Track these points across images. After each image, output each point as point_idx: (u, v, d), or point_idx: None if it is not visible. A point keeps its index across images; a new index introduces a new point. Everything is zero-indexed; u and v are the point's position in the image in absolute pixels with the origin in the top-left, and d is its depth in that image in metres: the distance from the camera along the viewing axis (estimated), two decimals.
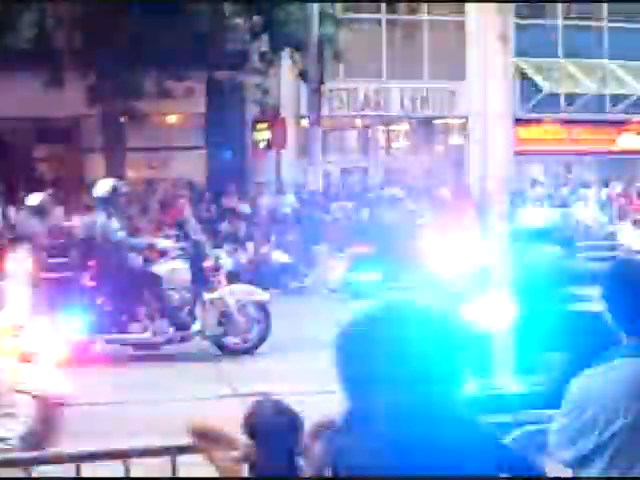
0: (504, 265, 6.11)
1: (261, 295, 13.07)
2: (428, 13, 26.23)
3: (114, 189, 12.76)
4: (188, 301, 12.60)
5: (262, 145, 24.17)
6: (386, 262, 17.95)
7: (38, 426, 7.45)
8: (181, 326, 12.42)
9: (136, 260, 12.83)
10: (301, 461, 3.04)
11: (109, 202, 12.65)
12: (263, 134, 24.09)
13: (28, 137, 24.09)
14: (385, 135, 27.64)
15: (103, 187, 12.91)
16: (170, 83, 21.00)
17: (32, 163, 24.55)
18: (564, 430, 3.28)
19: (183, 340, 12.52)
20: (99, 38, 19.45)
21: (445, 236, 18.35)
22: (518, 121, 26.55)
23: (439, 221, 19.07)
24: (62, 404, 7.40)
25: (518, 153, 26.55)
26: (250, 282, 14.74)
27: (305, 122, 23.08)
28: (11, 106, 20.98)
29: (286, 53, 21.86)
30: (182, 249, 12.85)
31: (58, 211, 20.02)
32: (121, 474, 3.83)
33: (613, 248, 20.34)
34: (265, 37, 21.45)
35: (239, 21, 21.96)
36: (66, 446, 6.58)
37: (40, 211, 14.41)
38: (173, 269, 12.61)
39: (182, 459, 3.74)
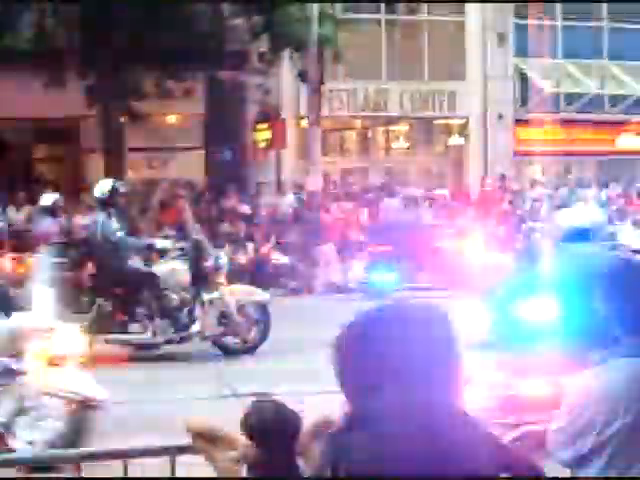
0: (547, 265, 6.13)
1: (261, 295, 13.07)
2: (428, 13, 26.22)
3: (114, 189, 12.76)
4: (188, 301, 12.60)
5: (262, 145, 24.17)
6: (404, 262, 18.13)
7: (69, 429, 7.41)
8: (181, 326, 12.42)
9: (136, 260, 12.83)
10: (300, 461, 3.04)
11: (109, 202, 12.65)
12: (263, 134, 24.10)
13: (28, 137, 24.09)
14: (385, 135, 27.64)
15: (103, 187, 12.91)
16: (170, 83, 21.01)
17: (32, 163, 24.56)
18: (563, 430, 3.28)
19: (183, 340, 12.52)
20: (99, 38, 19.46)
21: (470, 237, 18.62)
22: (518, 121, 26.56)
23: (461, 222, 19.33)
24: (95, 406, 7.29)
25: (517, 153, 26.57)
26: (250, 282, 14.75)
27: (305, 122, 23.08)
28: (11, 106, 20.98)
29: (286, 53, 21.85)
30: (182, 249, 12.86)
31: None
32: (121, 474, 3.83)
33: (613, 248, 20.31)
34: (265, 37, 21.46)
35: (239, 21, 21.98)
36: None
37: (53, 211, 14.41)
38: (173, 269, 12.61)
39: (182, 459, 3.74)
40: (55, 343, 7.82)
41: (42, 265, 8.90)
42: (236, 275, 15.43)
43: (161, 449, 3.87)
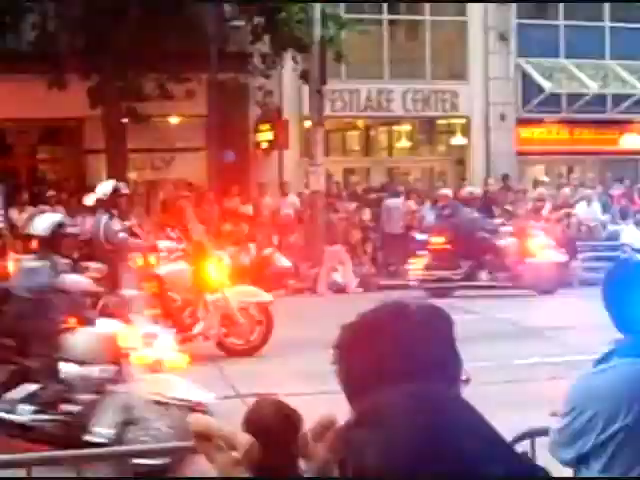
0: None
1: (263, 296, 13.07)
2: (430, 14, 26.22)
3: (115, 190, 12.77)
4: (191, 302, 12.61)
5: (264, 146, 24.17)
6: (464, 259, 18.38)
7: (181, 437, 7.18)
8: (183, 327, 12.42)
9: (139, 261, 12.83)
10: (302, 462, 3.04)
11: (111, 203, 12.66)
12: (265, 135, 24.09)
13: (31, 138, 24.12)
14: (387, 135, 27.64)
15: (105, 188, 12.93)
16: (172, 84, 21.02)
17: (35, 164, 24.59)
18: (564, 429, 3.29)
19: (185, 341, 12.52)
20: (101, 40, 19.47)
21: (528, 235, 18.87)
22: (520, 121, 26.54)
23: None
24: (204, 411, 7.03)
25: (520, 153, 26.55)
26: (252, 283, 14.75)
27: (307, 123, 23.08)
28: (14, 108, 21.00)
29: (288, 54, 21.85)
30: (184, 250, 12.86)
31: (59, 211, 20.07)
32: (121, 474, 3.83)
33: (615, 248, 20.34)
34: (267, 38, 21.46)
35: (241, 22, 21.99)
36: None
37: (94, 210, 14.29)
38: (175, 270, 12.61)
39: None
40: (154, 349, 7.71)
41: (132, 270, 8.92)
42: (238, 276, 15.43)
43: (161, 449, 3.88)
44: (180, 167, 24.17)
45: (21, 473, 3.97)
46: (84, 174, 23.33)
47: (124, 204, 13.20)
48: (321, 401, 4.95)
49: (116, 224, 12.53)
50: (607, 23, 26.98)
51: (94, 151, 22.87)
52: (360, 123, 27.08)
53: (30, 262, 8.91)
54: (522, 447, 4.15)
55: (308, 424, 3.09)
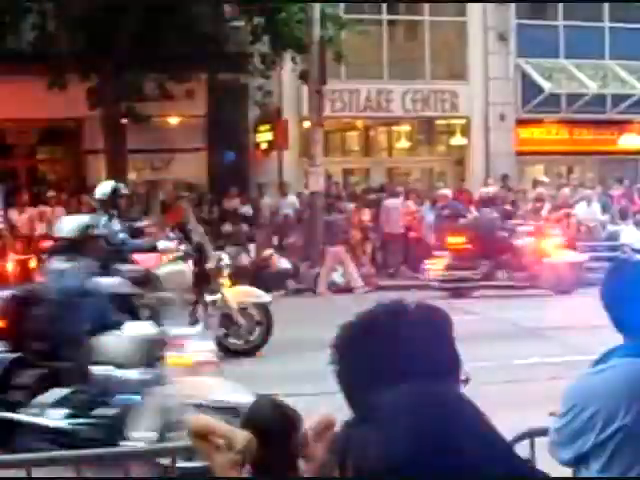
0: None
1: (263, 297, 13.07)
2: (429, 14, 26.22)
3: (115, 191, 12.77)
4: (190, 303, 12.59)
5: (264, 146, 24.18)
6: (483, 260, 18.48)
7: None
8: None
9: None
10: (301, 461, 3.04)
11: (110, 204, 12.66)
12: (265, 135, 24.10)
13: (31, 139, 24.12)
14: (387, 136, 27.64)
15: (104, 189, 12.92)
16: (172, 85, 21.02)
17: (35, 165, 24.58)
18: (563, 429, 3.28)
19: None
20: (101, 40, 19.47)
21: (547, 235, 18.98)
22: (519, 121, 26.55)
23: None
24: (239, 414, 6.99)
25: (519, 153, 26.55)
26: (252, 284, 14.75)
27: (307, 123, 23.08)
28: (13, 108, 21.01)
29: (287, 54, 21.85)
30: (184, 251, 12.85)
31: (58, 211, 20.08)
32: (120, 474, 3.83)
33: (615, 249, 20.35)
34: (266, 39, 21.46)
35: (240, 23, 21.99)
36: None
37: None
38: (175, 271, 12.60)
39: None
40: (190, 350, 7.59)
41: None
42: (238, 276, 15.42)
43: (161, 449, 3.88)
44: (180, 167, 24.17)
45: (21, 473, 3.97)
46: (84, 174, 23.34)
47: (124, 205, 13.19)
48: (321, 401, 4.95)
49: (116, 225, 12.53)
50: (607, 23, 26.99)
51: (94, 151, 22.88)
52: (359, 123, 27.08)
53: (59, 264, 8.75)
54: (521, 447, 4.14)
55: (307, 424, 3.09)
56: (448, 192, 22.13)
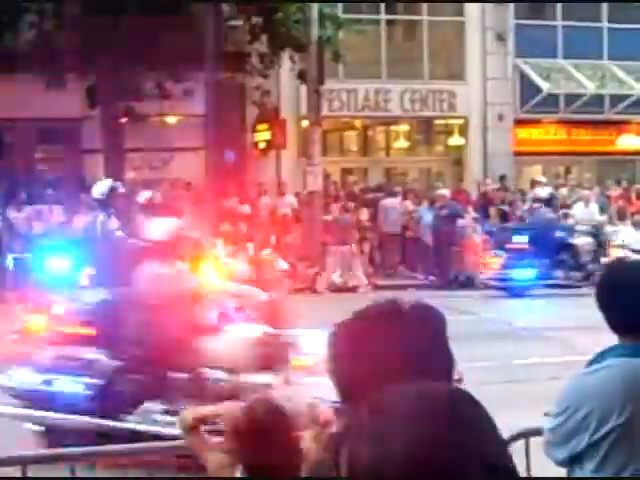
0: None
1: (260, 296, 13.05)
2: (428, 14, 26.22)
3: (112, 189, 12.77)
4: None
5: (262, 146, 24.18)
6: (540, 258, 18.62)
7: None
8: None
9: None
10: (298, 460, 3.05)
11: (108, 202, 12.65)
12: (263, 135, 24.10)
13: (29, 138, 24.09)
14: (385, 135, 27.65)
15: (101, 187, 12.92)
16: (170, 84, 21.02)
17: (33, 164, 24.56)
18: (557, 429, 3.29)
19: None
20: (99, 39, 19.47)
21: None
22: (517, 122, 26.55)
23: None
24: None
25: (517, 154, 26.56)
26: (250, 283, 14.72)
27: (305, 123, 23.08)
28: (12, 107, 21.00)
29: (286, 54, 21.86)
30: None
31: (57, 211, 20.09)
32: (121, 474, 3.84)
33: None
34: (265, 38, 21.46)
35: (239, 22, 21.99)
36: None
37: (149, 208, 14.17)
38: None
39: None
40: (308, 352, 7.42)
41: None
42: (236, 276, 15.41)
43: (162, 449, 3.88)
44: (178, 166, 24.16)
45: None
46: (82, 173, 23.32)
47: (121, 204, 13.19)
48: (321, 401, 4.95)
49: (113, 223, 12.52)
50: (605, 24, 26.99)
51: (92, 150, 22.86)
52: (358, 123, 27.08)
53: (155, 268, 8.44)
54: (517, 447, 4.16)
55: (306, 424, 3.11)
56: (446, 192, 22.14)
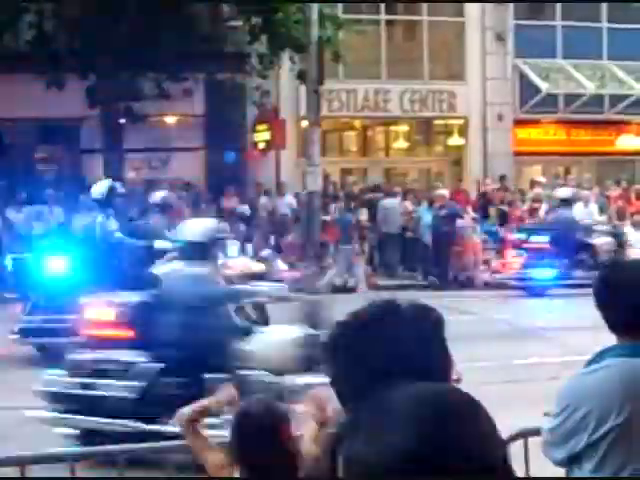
0: None
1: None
2: (427, 14, 26.22)
3: (112, 189, 12.77)
4: None
5: (261, 146, 24.18)
6: (560, 258, 18.69)
7: None
8: None
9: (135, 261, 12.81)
10: (297, 461, 3.05)
11: (107, 203, 12.66)
12: (262, 135, 24.10)
13: (29, 138, 24.10)
14: (384, 136, 27.65)
15: (101, 188, 12.92)
16: (169, 84, 21.02)
17: (33, 164, 24.56)
18: (556, 429, 3.29)
19: None
20: (99, 40, 19.47)
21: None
22: (517, 122, 26.55)
23: None
24: None
25: (517, 154, 26.56)
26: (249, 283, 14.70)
27: (304, 123, 23.08)
28: (12, 107, 21.01)
29: (285, 54, 21.86)
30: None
31: (57, 211, 20.08)
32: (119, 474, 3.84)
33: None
34: (264, 38, 21.46)
35: (238, 23, 21.99)
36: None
37: (163, 208, 14.15)
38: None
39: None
40: None
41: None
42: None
43: (161, 449, 3.88)
44: (177, 167, 24.16)
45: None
46: (81, 174, 23.33)
47: (120, 204, 13.20)
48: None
49: (112, 224, 12.53)
50: (604, 24, 26.99)
51: (91, 150, 22.88)
52: (357, 123, 27.08)
53: (192, 269, 8.32)
54: (515, 447, 4.16)
55: (305, 423, 3.11)
56: (445, 192, 22.13)
